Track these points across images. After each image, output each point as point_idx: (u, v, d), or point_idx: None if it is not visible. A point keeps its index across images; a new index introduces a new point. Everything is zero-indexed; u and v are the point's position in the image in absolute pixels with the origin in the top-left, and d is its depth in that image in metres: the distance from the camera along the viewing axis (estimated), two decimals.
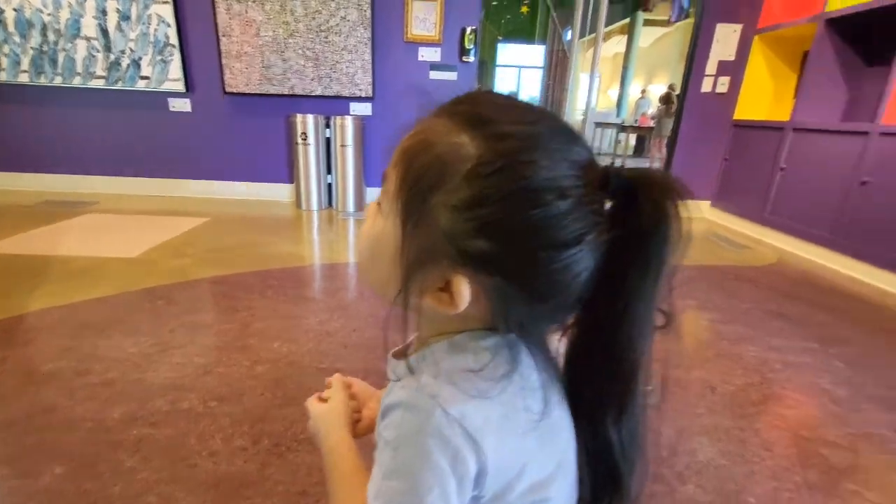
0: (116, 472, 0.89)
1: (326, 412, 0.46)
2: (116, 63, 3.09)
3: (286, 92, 3.16)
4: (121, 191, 3.35)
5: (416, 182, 0.30)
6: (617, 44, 10.16)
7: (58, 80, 3.09)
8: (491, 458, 0.29)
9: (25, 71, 3.06)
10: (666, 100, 6.74)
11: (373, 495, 0.30)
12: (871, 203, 2.18)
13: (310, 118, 3.09)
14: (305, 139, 3.13)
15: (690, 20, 3.85)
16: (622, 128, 7.85)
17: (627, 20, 9.23)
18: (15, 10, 2.95)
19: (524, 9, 10.09)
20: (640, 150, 8.28)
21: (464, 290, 0.29)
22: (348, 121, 3.10)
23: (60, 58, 3.05)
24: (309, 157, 3.17)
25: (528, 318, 0.31)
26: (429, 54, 3.17)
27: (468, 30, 3.11)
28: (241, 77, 3.13)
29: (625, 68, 9.75)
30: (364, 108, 3.26)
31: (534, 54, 10.30)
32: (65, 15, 2.98)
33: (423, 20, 3.09)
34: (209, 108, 3.25)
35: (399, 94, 3.22)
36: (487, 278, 0.29)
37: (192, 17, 3.06)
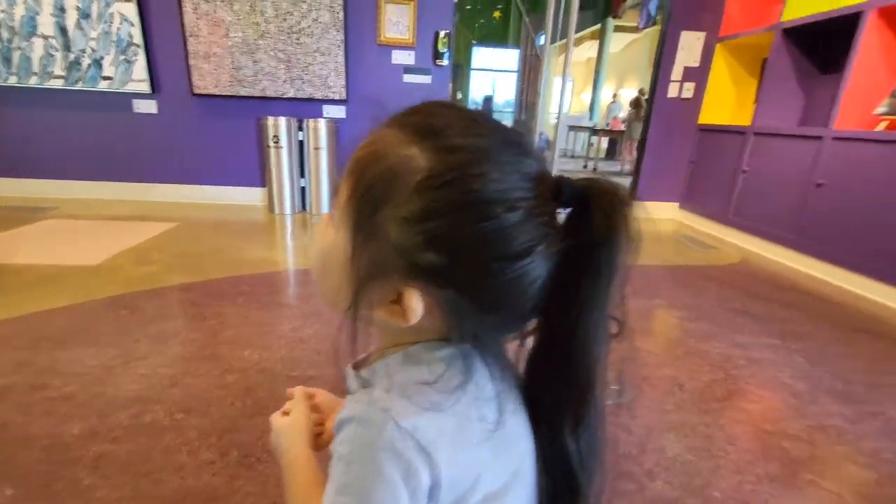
0: (73, 492, 0.85)
1: (286, 426, 0.45)
2: (76, 63, 2.97)
3: (257, 94, 3.10)
4: (82, 195, 3.22)
5: (366, 194, 0.29)
6: (589, 49, 10.39)
7: (12, 80, 2.95)
8: (444, 471, 0.29)
9: None
10: (636, 104, 6.92)
11: None
12: (826, 204, 2.29)
13: (282, 121, 3.04)
14: (277, 142, 3.08)
15: (658, 27, 3.96)
16: (594, 131, 8.02)
17: (598, 26, 9.44)
18: None
19: (497, 14, 10.21)
20: (612, 152, 8.47)
21: (415, 304, 0.30)
22: (321, 123, 3.06)
23: (15, 56, 2.91)
24: (281, 161, 3.11)
25: (481, 329, 0.32)
26: (402, 57, 3.17)
27: (441, 33, 3.12)
28: (209, 78, 3.05)
29: (597, 73, 9.97)
30: (338, 111, 3.23)
31: (508, 58, 10.42)
32: (19, 12, 2.84)
33: (396, 23, 3.09)
34: (176, 110, 3.16)
35: (373, 96, 3.20)
36: (439, 291, 0.29)
37: (157, 16, 2.97)
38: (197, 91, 3.06)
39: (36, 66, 2.94)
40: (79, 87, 3.01)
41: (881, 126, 2.16)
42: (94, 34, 2.93)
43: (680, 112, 3.34)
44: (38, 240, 2.33)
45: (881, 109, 2.17)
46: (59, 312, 1.54)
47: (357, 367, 0.37)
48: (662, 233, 3.21)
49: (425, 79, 3.22)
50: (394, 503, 0.28)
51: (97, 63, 2.98)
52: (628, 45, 9.59)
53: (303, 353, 1.37)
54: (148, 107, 3.13)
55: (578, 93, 11.55)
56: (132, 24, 2.94)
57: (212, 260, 2.15)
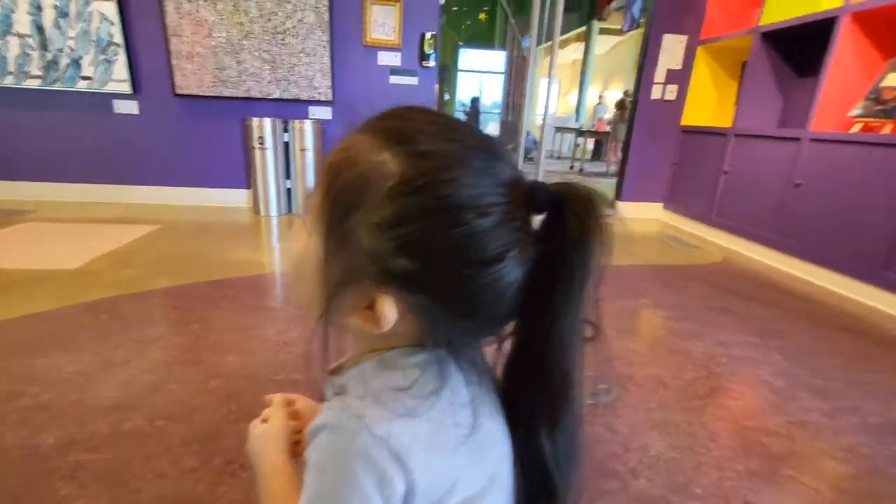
0: (48, 503, 0.83)
1: (263, 434, 0.44)
2: (54, 62, 2.90)
3: (241, 95, 3.06)
4: (61, 198, 3.15)
5: (337, 199, 0.29)
6: (575, 51, 10.48)
7: None
8: (419, 478, 0.29)
9: None
10: (621, 105, 7.00)
11: None
12: (804, 204, 2.35)
13: (267, 122, 3.01)
14: (263, 143, 3.04)
15: (642, 30, 4.01)
16: (580, 132, 8.10)
17: (584, 28, 9.54)
18: None
19: (482, 16, 10.26)
20: (598, 153, 8.55)
21: (388, 310, 0.29)
22: (307, 125, 3.04)
23: None
24: (267, 162, 3.08)
25: (455, 334, 0.32)
26: (388, 59, 3.16)
27: (428, 35, 3.13)
28: (192, 79, 3.01)
29: (582, 74, 10.07)
30: (324, 112, 3.21)
31: (495, 60, 10.47)
32: None
33: (382, 24, 3.08)
34: (158, 111, 3.11)
35: (359, 98, 3.19)
36: (412, 297, 0.29)
37: (137, 15, 2.92)
38: (179, 91, 3.02)
39: (12, 66, 2.87)
40: (57, 87, 2.95)
41: (856, 128, 2.22)
42: (72, 33, 2.87)
43: (663, 114, 3.39)
44: (16, 244, 2.27)
45: (856, 112, 2.23)
46: (36, 318, 1.51)
47: (333, 373, 0.36)
48: (647, 233, 3.25)
49: (412, 80, 3.21)
50: None
51: (76, 63, 2.92)
52: (613, 47, 9.70)
53: (287, 356, 1.36)
54: (129, 107, 3.08)
55: (565, 94, 11.64)
56: (112, 23, 2.89)
57: (195, 263, 2.12)
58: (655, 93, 3.37)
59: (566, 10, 3.30)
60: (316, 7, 2.95)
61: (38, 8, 2.80)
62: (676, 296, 2.07)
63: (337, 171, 0.30)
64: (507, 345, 0.36)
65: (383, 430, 0.28)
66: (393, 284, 0.29)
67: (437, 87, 3.38)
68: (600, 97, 9.20)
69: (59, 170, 3.14)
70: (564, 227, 0.30)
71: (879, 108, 2.13)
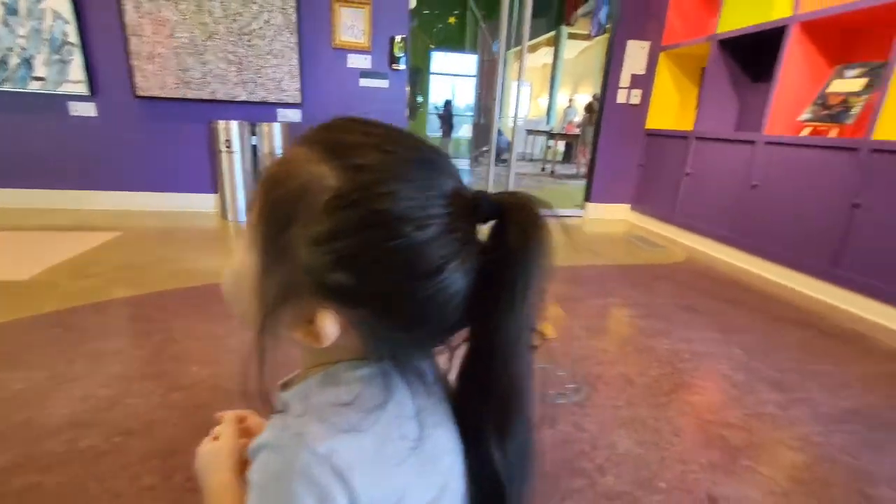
0: None
1: (211, 452, 0.43)
2: (3, 62, 2.75)
3: (206, 97, 2.98)
4: (11, 204, 2.98)
5: (274, 213, 0.29)
6: (545, 55, 10.66)
7: None
8: (363, 494, 0.28)
9: None
10: (590, 109, 7.16)
11: None
12: (760, 204, 2.46)
13: (234, 125, 2.94)
14: (229, 146, 2.97)
15: (608, 35, 4.12)
16: (551, 135, 8.24)
17: (553, 33, 9.71)
18: None
19: (451, 19, 10.33)
20: (568, 155, 8.72)
21: (328, 326, 0.29)
22: (276, 128, 2.98)
23: None
24: (234, 166, 3.01)
25: (399, 347, 0.32)
26: (358, 61, 3.14)
27: (398, 38, 3.12)
28: (154, 80, 2.91)
29: (552, 78, 10.25)
30: (293, 115, 3.16)
31: (467, 63, 10.54)
32: None
33: (351, 27, 3.06)
34: (118, 113, 2.99)
35: (329, 100, 3.15)
36: (352, 311, 0.29)
37: (94, 13, 2.80)
38: (140, 93, 2.92)
39: None
40: (6, 87, 2.80)
41: (805, 131, 2.34)
42: (22, 31, 2.74)
43: (629, 117, 3.49)
44: None
45: (805, 116, 2.35)
46: None
47: (285, 387, 0.36)
48: (615, 234, 3.33)
49: (382, 83, 3.20)
50: None
51: (27, 62, 2.78)
52: (582, 51, 9.91)
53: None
54: (86, 109, 2.95)
55: (536, 97, 11.82)
56: (67, 22, 2.77)
57: (158, 271, 2.05)
58: (621, 97, 3.46)
59: (535, 15, 3.36)
60: (283, 8, 2.91)
61: None
62: (643, 295, 2.13)
63: (274, 184, 0.30)
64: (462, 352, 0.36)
65: (325, 448, 0.28)
66: (332, 299, 0.29)
67: (407, 89, 3.37)
68: (570, 100, 9.38)
69: (9, 174, 2.98)
70: (506, 236, 0.30)
71: (826, 112, 2.26)
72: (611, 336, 1.75)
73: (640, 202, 3.58)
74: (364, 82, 3.18)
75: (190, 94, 2.96)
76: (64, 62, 2.83)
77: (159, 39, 2.84)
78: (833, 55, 2.35)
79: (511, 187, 3.33)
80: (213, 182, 3.18)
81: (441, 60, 10.90)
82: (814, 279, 2.17)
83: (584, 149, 7.08)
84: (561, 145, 8.57)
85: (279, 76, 3.02)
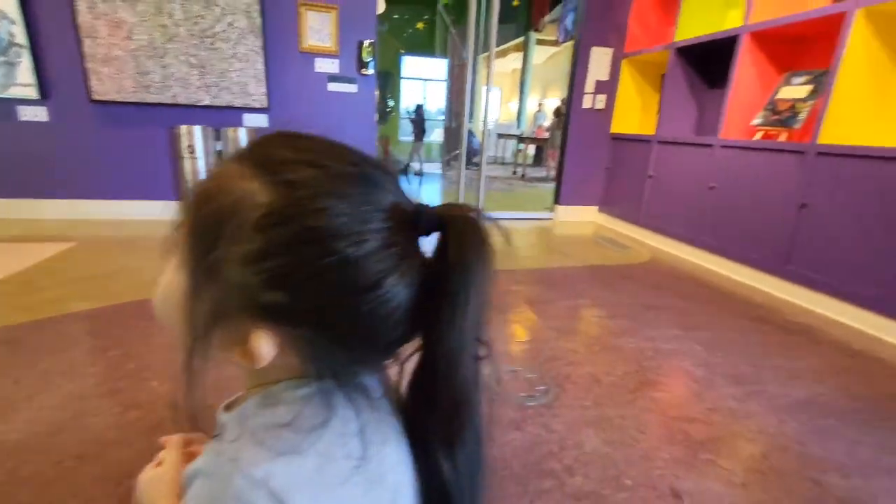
0: None
1: (153, 479, 0.41)
2: None
3: (167, 101, 2.89)
4: None
5: (203, 232, 0.28)
6: (515, 60, 10.81)
7: None
8: None
9: None
10: (558, 113, 7.32)
11: None
12: (717, 205, 2.56)
13: (197, 129, 2.86)
14: (193, 152, 2.89)
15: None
16: (521, 139, 8.36)
17: (522, 39, 9.87)
18: None
19: (420, 24, 10.36)
20: (539, 159, 8.87)
21: (262, 346, 0.28)
22: (241, 132, 2.92)
23: None
24: (198, 171, 2.93)
25: (339, 365, 0.31)
26: (326, 66, 3.11)
27: (366, 42, 3.11)
28: (110, 83, 2.80)
29: (522, 83, 10.40)
30: (259, 120, 3.09)
31: (438, 67, 10.58)
32: None
33: (318, 31, 3.03)
34: (72, 118, 2.86)
35: (297, 105, 3.11)
36: (287, 330, 0.28)
37: (44, 14, 2.67)
38: (96, 97, 2.80)
39: None
40: None
41: (758, 135, 2.46)
42: None
43: (594, 122, 3.58)
44: None
45: (757, 121, 2.47)
46: None
47: (229, 408, 0.35)
48: (584, 235, 3.41)
49: (350, 87, 3.18)
50: None
51: None
52: (550, 57, 10.11)
53: (219, 380, 1.29)
54: (36, 114, 2.81)
55: (506, 102, 11.98)
56: (13, 22, 2.63)
57: (116, 283, 1.96)
58: (586, 102, 3.55)
59: (503, 21, 3.41)
60: (247, 11, 2.85)
61: None
62: (611, 295, 2.19)
63: (204, 201, 0.29)
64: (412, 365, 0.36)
65: (262, 472, 0.27)
66: (267, 318, 0.28)
67: (377, 93, 3.36)
68: (539, 105, 9.55)
69: None
70: (446, 248, 0.30)
71: (776, 117, 2.38)
72: (580, 337, 1.78)
73: (608, 204, 3.67)
74: (332, 87, 3.15)
75: (150, 98, 2.86)
76: (11, 64, 2.68)
77: (116, 41, 2.74)
78: (782, 63, 2.48)
79: (482, 190, 3.36)
80: (175, 188, 3.07)
81: (412, 64, 10.91)
82: (768, 275, 2.27)
83: (553, 152, 7.21)
84: (531, 149, 8.71)
85: (244, 80, 2.95)
